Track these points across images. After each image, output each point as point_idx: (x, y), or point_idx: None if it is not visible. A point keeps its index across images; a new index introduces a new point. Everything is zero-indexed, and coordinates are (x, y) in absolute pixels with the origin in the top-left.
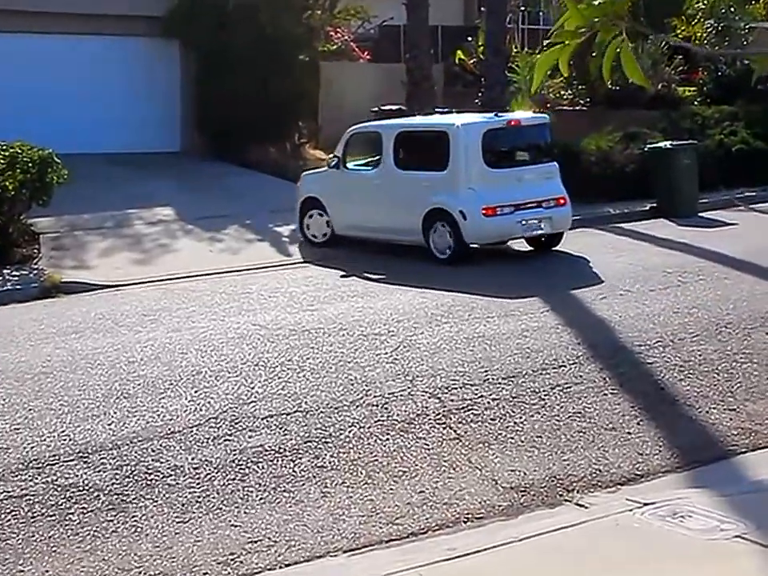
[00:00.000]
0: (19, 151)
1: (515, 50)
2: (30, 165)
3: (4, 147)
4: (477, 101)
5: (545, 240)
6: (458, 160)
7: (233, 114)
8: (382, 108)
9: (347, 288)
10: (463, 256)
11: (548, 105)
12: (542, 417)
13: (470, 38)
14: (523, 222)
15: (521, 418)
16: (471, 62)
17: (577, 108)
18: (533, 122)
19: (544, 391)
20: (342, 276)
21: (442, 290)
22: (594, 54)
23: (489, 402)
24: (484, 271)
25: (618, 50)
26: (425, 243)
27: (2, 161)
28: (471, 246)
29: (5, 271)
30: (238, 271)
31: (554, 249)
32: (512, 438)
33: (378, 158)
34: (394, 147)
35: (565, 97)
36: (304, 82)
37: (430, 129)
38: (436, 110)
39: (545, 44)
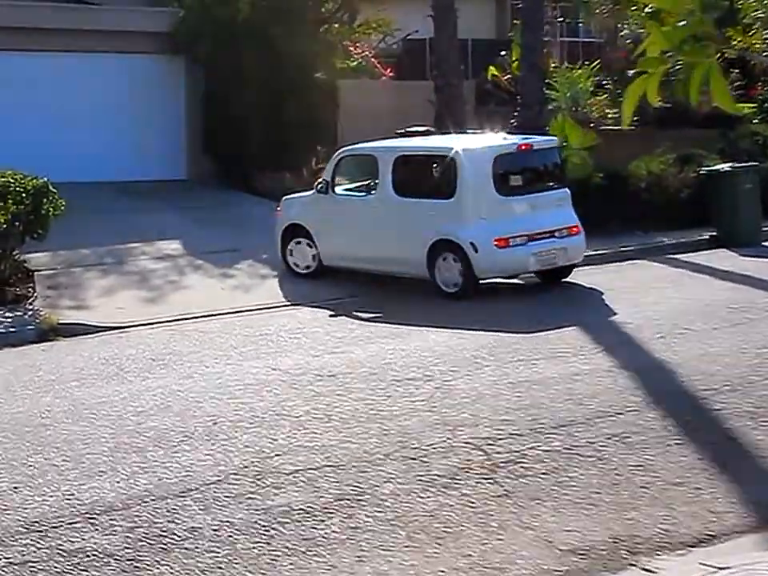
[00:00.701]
0: (11, 180)
1: (553, 65)
2: (24, 195)
3: None
4: (512, 121)
5: (556, 272)
6: (467, 187)
7: (244, 138)
8: (408, 130)
9: (375, 328)
10: (472, 291)
11: (591, 125)
12: (599, 471)
13: (503, 53)
14: (537, 254)
15: (576, 471)
16: (505, 78)
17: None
18: (543, 145)
19: (600, 442)
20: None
21: (471, 330)
22: (674, 78)
23: (539, 455)
24: (504, 307)
25: (705, 72)
26: (429, 276)
27: None
28: (481, 280)
29: None
30: (253, 310)
31: (564, 281)
32: (567, 495)
33: (372, 183)
34: (392, 172)
35: (610, 116)
36: (321, 102)
37: (434, 153)
38: (468, 130)
39: (630, 73)
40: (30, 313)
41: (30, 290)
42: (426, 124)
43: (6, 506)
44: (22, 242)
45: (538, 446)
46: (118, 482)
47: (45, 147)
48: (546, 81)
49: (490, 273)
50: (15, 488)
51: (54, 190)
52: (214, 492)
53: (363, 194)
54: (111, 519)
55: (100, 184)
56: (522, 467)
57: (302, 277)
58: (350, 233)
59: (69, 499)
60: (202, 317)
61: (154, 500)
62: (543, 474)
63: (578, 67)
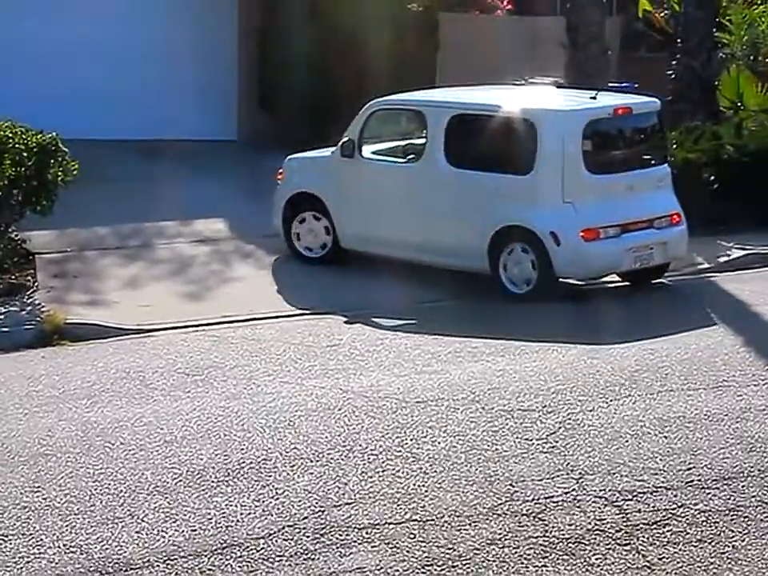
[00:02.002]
0: (10, 135)
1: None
2: (25, 155)
3: None
4: (670, 71)
5: (648, 272)
6: (550, 161)
7: (314, 87)
8: (531, 80)
9: (477, 342)
10: (549, 292)
11: None
12: None
13: None
14: (633, 249)
15: (743, 539)
16: (661, 15)
17: None
18: (643, 108)
19: None
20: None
21: (598, 346)
22: None
23: (694, 516)
24: (618, 314)
25: None
26: (489, 271)
27: None
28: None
29: None
30: (318, 314)
31: (655, 283)
32: (731, 569)
33: (416, 146)
34: (445, 134)
35: None
36: (415, 41)
37: (506, 114)
38: (609, 85)
39: None
40: (28, 308)
41: (29, 278)
42: (552, 75)
43: None
44: (21, 215)
45: (694, 504)
46: (138, 532)
47: (55, 95)
48: (717, 20)
49: (574, 271)
50: (4, 537)
51: (65, 149)
52: (263, 550)
53: (402, 160)
54: None
55: (123, 143)
56: (670, 532)
57: (308, 263)
58: (381, 209)
59: (73, 552)
60: (251, 320)
61: (184, 557)
62: (699, 541)
63: (759, 2)
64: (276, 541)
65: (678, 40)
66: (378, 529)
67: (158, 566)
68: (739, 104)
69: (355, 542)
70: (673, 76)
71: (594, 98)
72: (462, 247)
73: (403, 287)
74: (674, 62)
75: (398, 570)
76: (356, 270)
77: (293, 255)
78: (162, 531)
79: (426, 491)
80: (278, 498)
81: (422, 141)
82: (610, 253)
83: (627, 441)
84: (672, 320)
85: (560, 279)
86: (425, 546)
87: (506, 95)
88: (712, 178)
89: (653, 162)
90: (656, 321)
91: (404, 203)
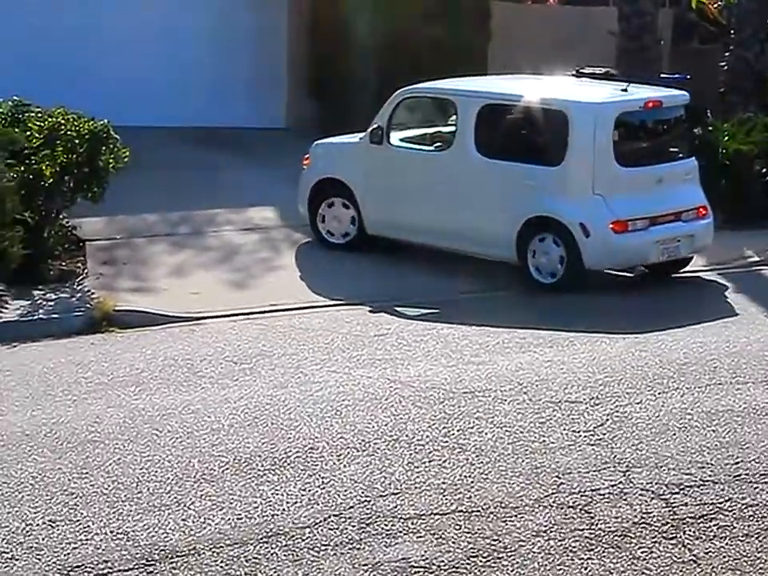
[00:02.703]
0: (62, 122)
1: None
2: (77, 142)
3: (40, 116)
4: (722, 63)
5: (673, 263)
6: (582, 153)
7: (364, 75)
8: (582, 71)
9: (527, 332)
10: (577, 283)
11: None
12: None
13: None
14: (661, 242)
15: None
16: (714, 6)
17: None
18: (673, 101)
19: None
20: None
21: (646, 336)
22: None
23: (741, 510)
24: (654, 307)
25: None
26: (517, 260)
27: (36, 135)
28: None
29: (36, 293)
30: (367, 303)
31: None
32: None
33: (445, 134)
34: (476, 124)
35: None
36: (468, 30)
37: (539, 105)
38: (661, 76)
39: None
40: (78, 295)
41: (79, 265)
42: (605, 65)
43: (39, 544)
44: (72, 202)
45: (741, 499)
46: (184, 520)
47: (105, 81)
48: None
49: (603, 263)
50: (52, 522)
51: (116, 136)
52: (308, 538)
53: (431, 148)
54: (173, 568)
55: (174, 130)
56: (716, 526)
57: (332, 248)
58: (410, 196)
59: (120, 539)
60: (300, 308)
61: (230, 545)
62: (745, 536)
63: None
64: (321, 530)
65: (731, 31)
66: (424, 519)
67: (204, 553)
68: None
69: (401, 532)
70: (725, 67)
71: (626, 90)
72: (490, 236)
73: (438, 276)
74: (726, 54)
75: (443, 561)
76: (384, 259)
77: (317, 241)
78: (209, 519)
79: (472, 482)
80: (323, 488)
81: (452, 129)
82: (638, 245)
83: (675, 434)
84: (718, 312)
85: (588, 270)
86: (470, 537)
87: (537, 86)
88: (764, 170)
89: (680, 155)
90: (701, 312)
91: (432, 191)
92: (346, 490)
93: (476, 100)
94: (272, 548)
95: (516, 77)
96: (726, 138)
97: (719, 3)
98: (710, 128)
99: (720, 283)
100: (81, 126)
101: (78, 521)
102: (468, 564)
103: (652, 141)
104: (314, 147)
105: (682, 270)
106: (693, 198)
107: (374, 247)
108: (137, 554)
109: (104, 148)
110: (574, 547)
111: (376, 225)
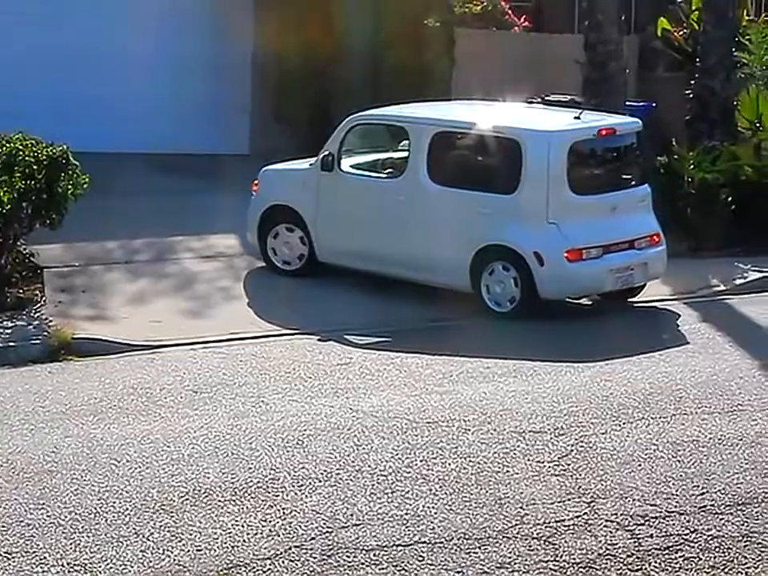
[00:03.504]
0: (20, 147)
1: (747, 18)
2: (36, 167)
3: None
4: (688, 91)
5: (627, 291)
6: (536, 181)
7: (328, 100)
8: (548, 98)
9: (490, 362)
10: (532, 312)
11: None
12: None
13: (678, 0)
14: (615, 270)
15: (757, 566)
16: (680, 34)
17: None
18: (626, 129)
19: None
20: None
21: (611, 365)
22: None
23: (707, 541)
24: (612, 333)
25: None
26: (471, 289)
27: None
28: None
29: None
30: (330, 331)
31: (630, 301)
32: None
33: (396, 161)
34: (428, 151)
35: None
36: (432, 57)
37: (492, 132)
38: (626, 104)
39: None
40: (35, 323)
41: (37, 292)
42: (569, 93)
43: None
44: (30, 228)
45: (706, 530)
46: (143, 552)
47: (64, 106)
48: (737, 39)
49: (558, 292)
50: (8, 554)
51: (76, 162)
52: (269, 570)
53: (383, 175)
54: None
55: (138, 156)
56: (682, 557)
57: (284, 275)
58: (361, 224)
59: (77, 571)
60: (261, 337)
61: None
62: (711, 567)
63: None
64: (283, 562)
65: (697, 59)
66: (386, 551)
67: None
68: (758, 124)
69: (363, 564)
70: (691, 95)
71: (579, 117)
72: (444, 264)
73: (392, 303)
74: (692, 82)
75: None
76: (336, 285)
77: (269, 267)
78: (168, 551)
79: (435, 513)
80: (285, 519)
81: (403, 155)
82: (592, 273)
83: (640, 464)
84: (683, 341)
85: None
86: (433, 569)
87: (491, 113)
88: (729, 199)
89: (633, 182)
90: (666, 341)
91: (383, 218)
92: (307, 521)
93: (428, 127)
94: None
95: (470, 103)
96: (692, 166)
97: (685, 31)
98: (676, 156)
99: (683, 312)
100: (39, 151)
101: (34, 552)
102: None
103: (606, 168)
104: (263, 172)
105: (642, 299)
106: (646, 225)
107: (327, 274)
108: None
109: (63, 174)
110: None
111: (327, 252)
